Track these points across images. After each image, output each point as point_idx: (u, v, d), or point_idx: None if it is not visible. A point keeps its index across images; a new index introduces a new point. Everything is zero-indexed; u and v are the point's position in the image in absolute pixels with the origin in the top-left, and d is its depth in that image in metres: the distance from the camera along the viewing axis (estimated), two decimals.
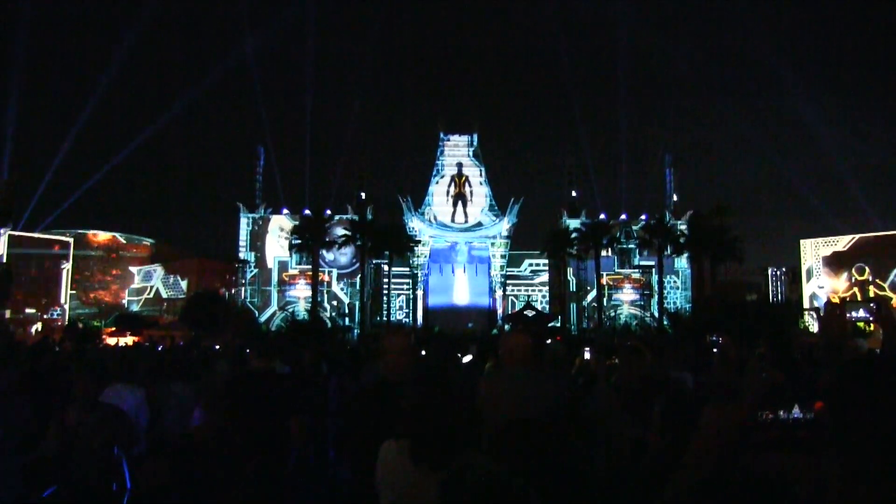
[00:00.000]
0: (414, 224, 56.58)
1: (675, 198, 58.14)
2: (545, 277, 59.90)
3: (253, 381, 4.70)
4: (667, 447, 2.88)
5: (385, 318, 53.82)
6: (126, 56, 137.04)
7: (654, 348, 6.68)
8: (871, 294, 54.50)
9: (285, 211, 56.82)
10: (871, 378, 1.53)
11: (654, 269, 53.23)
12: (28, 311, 56.26)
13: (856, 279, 57.29)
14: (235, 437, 3.88)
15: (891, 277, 56.34)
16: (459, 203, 58.48)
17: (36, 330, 48.94)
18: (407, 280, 57.46)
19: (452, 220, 58.40)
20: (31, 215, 60.84)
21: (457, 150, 59.29)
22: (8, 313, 52.10)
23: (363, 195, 57.62)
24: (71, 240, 63.98)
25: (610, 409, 4.56)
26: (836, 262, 58.62)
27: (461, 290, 58.42)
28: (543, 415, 4.14)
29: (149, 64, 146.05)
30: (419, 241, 55.89)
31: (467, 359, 8.57)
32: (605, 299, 53.87)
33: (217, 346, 20.07)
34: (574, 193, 59.06)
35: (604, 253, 52.85)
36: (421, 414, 2.76)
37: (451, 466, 2.46)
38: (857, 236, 59.02)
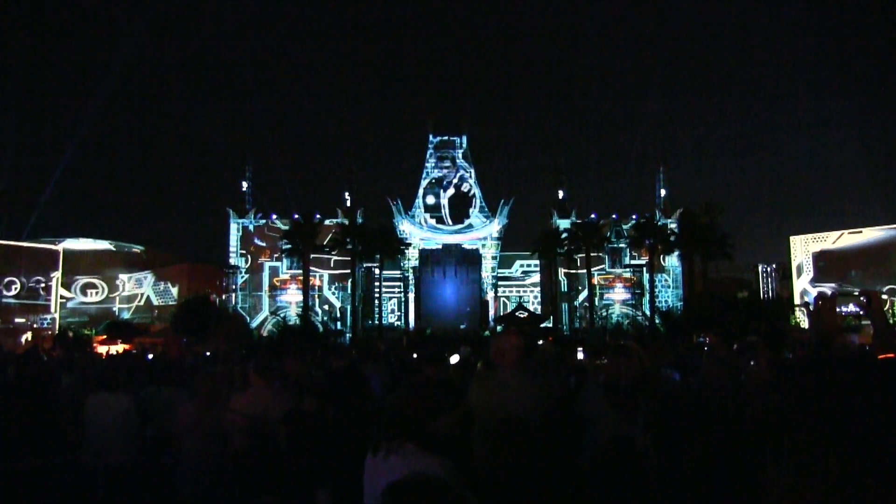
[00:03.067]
0: (404, 227, 56.51)
1: (663, 192, 58.20)
2: (536, 278, 59.95)
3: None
4: (653, 445, 2.86)
5: (377, 322, 53.67)
6: (116, 60, 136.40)
7: (646, 346, 6.68)
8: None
9: (275, 216, 56.61)
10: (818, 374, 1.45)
11: (644, 268, 53.32)
12: (17, 320, 55.65)
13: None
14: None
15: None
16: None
17: (25, 339, 48.40)
18: (398, 283, 57.39)
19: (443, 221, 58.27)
20: (22, 223, 60.38)
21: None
22: None
23: (353, 198, 57.47)
24: (60, 248, 63.43)
25: (598, 407, 4.55)
26: (825, 259, 58.83)
27: (452, 291, 58.33)
28: (533, 415, 4.13)
29: (138, 67, 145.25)
30: (409, 244, 55.85)
31: (455, 359, 8.55)
32: (596, 299, 53.96)
33: (208, 353, 20.01)
34: (563, 194, 59.07)
35: (594, 253, 52.93)
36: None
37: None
38: (846, 232, 59.22)
